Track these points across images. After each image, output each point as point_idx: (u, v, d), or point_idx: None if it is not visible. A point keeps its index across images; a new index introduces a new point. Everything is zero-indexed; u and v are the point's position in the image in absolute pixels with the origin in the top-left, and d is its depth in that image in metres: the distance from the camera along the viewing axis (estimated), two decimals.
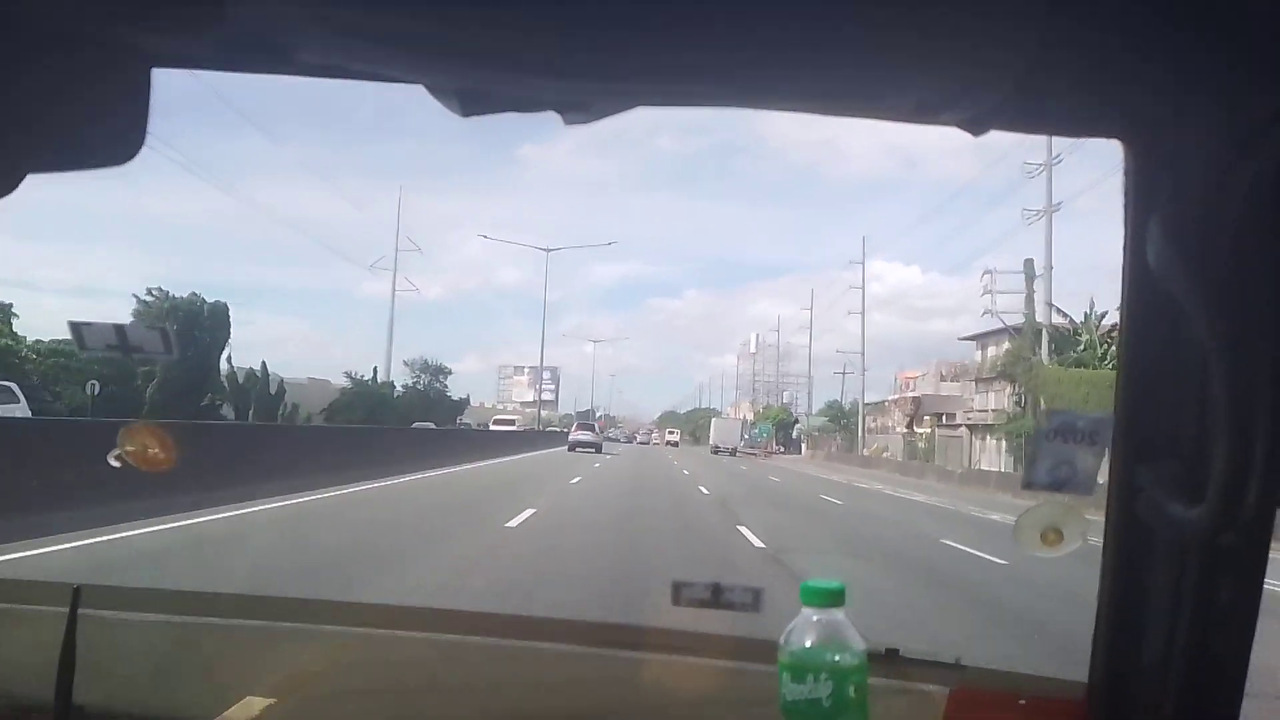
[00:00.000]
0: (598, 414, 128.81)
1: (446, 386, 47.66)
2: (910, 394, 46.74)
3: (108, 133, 0.69)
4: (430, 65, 0.65)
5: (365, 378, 39.77)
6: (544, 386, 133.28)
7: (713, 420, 74.43)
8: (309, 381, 38.19)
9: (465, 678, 1.06)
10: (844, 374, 59.90)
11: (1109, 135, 0.74)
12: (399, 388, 43.70)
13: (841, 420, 60.84)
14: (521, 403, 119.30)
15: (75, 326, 0.75)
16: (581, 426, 42.65)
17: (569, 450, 36.19)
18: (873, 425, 55.29)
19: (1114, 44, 0.62)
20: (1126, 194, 0.76)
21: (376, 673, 1.04)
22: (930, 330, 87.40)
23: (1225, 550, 0.75)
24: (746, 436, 71.82)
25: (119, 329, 0.77)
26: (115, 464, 0.82)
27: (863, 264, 50.31)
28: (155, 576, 5.14)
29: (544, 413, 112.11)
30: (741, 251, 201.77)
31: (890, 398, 52.40)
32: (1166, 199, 0.69)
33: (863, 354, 49.93)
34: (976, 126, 0.72)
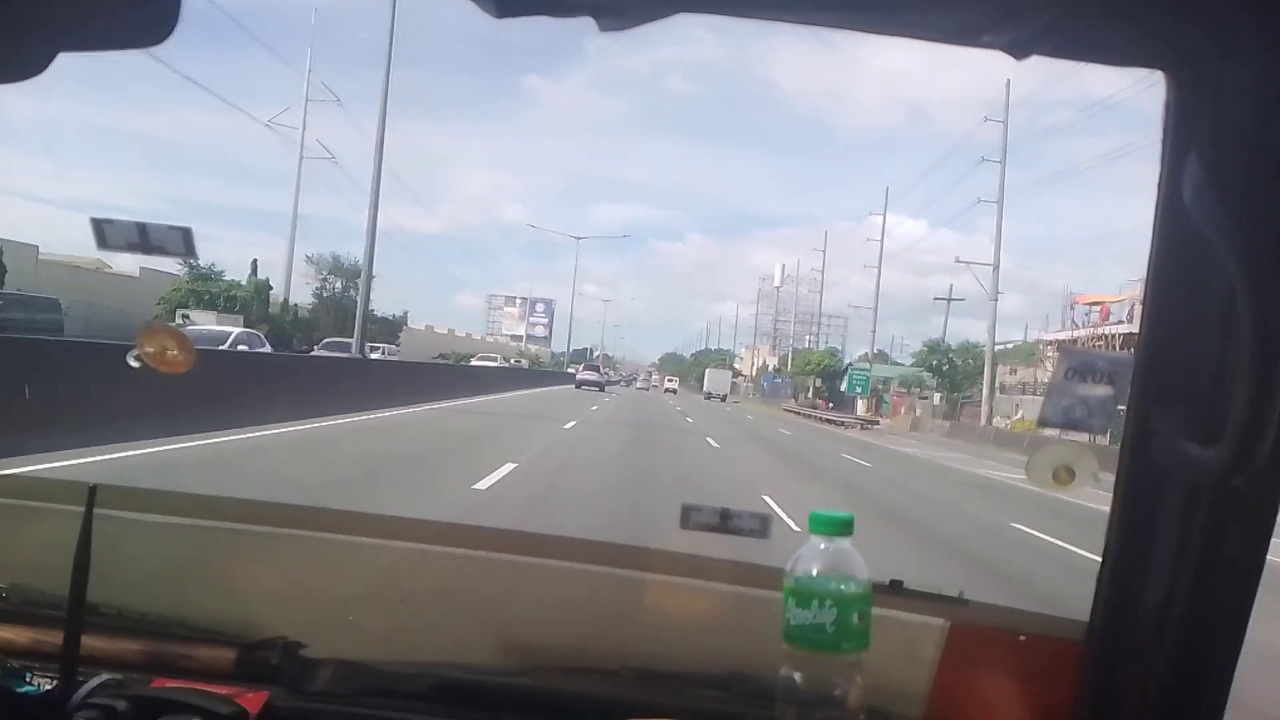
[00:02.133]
0: (595, 354, 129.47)
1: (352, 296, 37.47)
2: (1110, 328, 29.10)
3: (141, 12, 0.72)
4: None
5: (218, 271, 32.18)
6: (536, 320, 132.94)
7: (707, 371, 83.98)
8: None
9: (472, 590, 1.14)
10: (948, 300, 47.00)
11: (1152, 66, 0.77)
12: (306, 303, 37.92)
13: (945, 369, 44.45)
14: (511, 336, 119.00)
15: (97, 224, 0.81)
16: (588, 368, 56.93)
17: (575, 388, 44.86)
18: (1010, 378, 40.72)
19: None
20: (1165, 129, 0.78)
21: (386, 582, 1.14)
22: (937, 287, 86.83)
23: (1236, 494, 0.80)
24: (765, 384, 76.78)
25: (140, 227, 0.82)
26: (134, 364, 0.89)
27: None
28: None
29: (533, 348, 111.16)
30: (743, 200, 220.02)
31: (1050, 336, 34.75)
32: (1207, 136, 0.72)
33: (995, 265, 35.82)
34: (1019, 51, 0.75)
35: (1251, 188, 0.67)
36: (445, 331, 77.74)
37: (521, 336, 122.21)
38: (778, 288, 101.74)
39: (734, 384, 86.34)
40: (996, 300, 37.39)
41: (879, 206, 56.79)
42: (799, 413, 48.65)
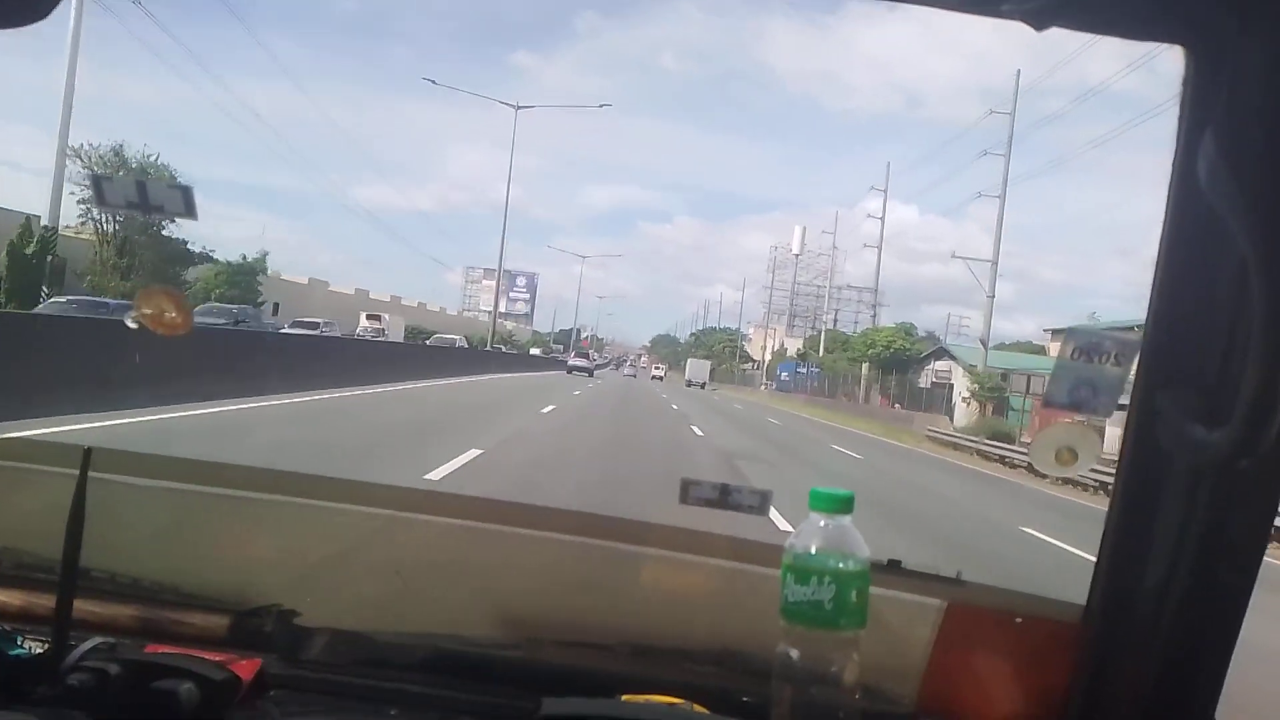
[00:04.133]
0: (584, 334, 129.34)
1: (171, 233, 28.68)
2: None
3: None
4: None
5: None
6: (516, 295, 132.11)
7: (688, 361, 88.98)
8: None
9: (468, 560, 1.20)
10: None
11: (1171, 40, 0.81)
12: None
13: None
14: (489, 312, 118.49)
15: (96, 179, 0.87)
16: (578, 355, 64.85)
17: (567, 373, 51.53)
18: None
19: None
20: (1182, 106, 0.83)
21: (382, 551, 1.20)
22: (925, 274, 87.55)
23: (1240, 478, 0.85)
24: (784, 373, 69.30)
25: (140, 184, 0.87)
26: (132, 325, 0.95)
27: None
28: None
29: (509, 324, 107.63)
30: (734, 183, 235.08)
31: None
32: (1224, 113, 0.75)
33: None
34: (1039, 20, 0.79)
35: (1268, 166, 0.71)
36: (415, 305, 77.40)
37: (505, 314, 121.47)
38: (797, 255, 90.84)
39: (743, 371, 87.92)
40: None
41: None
42: (942, 438, 29.17)
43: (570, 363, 58.66)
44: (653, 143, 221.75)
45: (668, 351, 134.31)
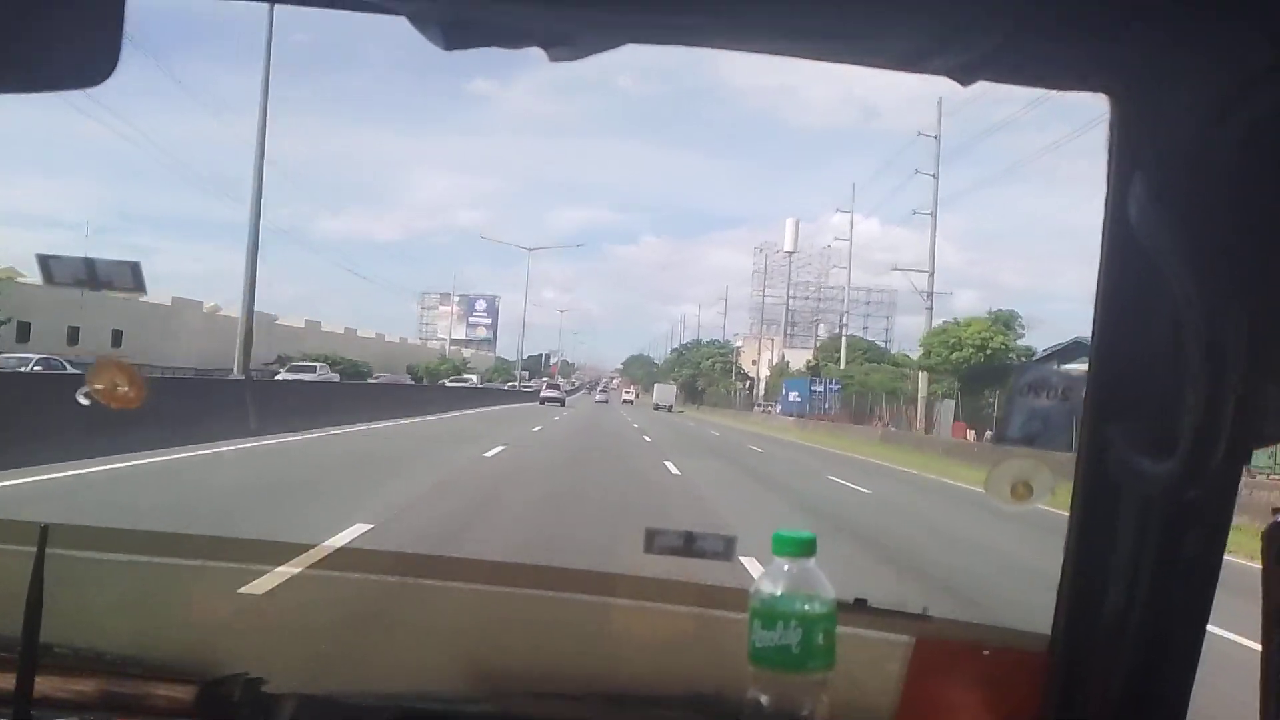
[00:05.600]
0: (554, 359, 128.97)
1: None
2: None
3: (81, 51, 0.79)
4: None
5: None
6: (477, 319, 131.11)
7: (655, 386, 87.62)
8: None
9: (437, 619, 1.23)
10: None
11: (1095, 89, 0.87)
12: None
13: None
14: (451, 340, 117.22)
15: (43, 260, 0.92)
16: (550, 386, 68.66)
17: (540, 404, 54.53)
18: None
19: None
20: (1110, 150, 0.89)
21: (349, 613, 1.26)
22: (888, 284, 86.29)
23: (1191, 506, 0.91)
24: (794, 394, 57.59)
25: (88, 263, 0.93)
26: (84, 402, 0.99)
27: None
28: None
29: (467, 352, 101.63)
30: (698, 201, 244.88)
31: None
32: (1151, 156, 0.82)
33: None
34: (965, 76, 0.85)
35: (1196, 206, 0.77)
36: (373, 335, 74.96)
37: (465, 340, 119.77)
38: (790, 254, 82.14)
39: (739, 391, 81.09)
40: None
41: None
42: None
43: (543, 394, 63.33)
44: (616, 164, 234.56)
45: (642, 373, 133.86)
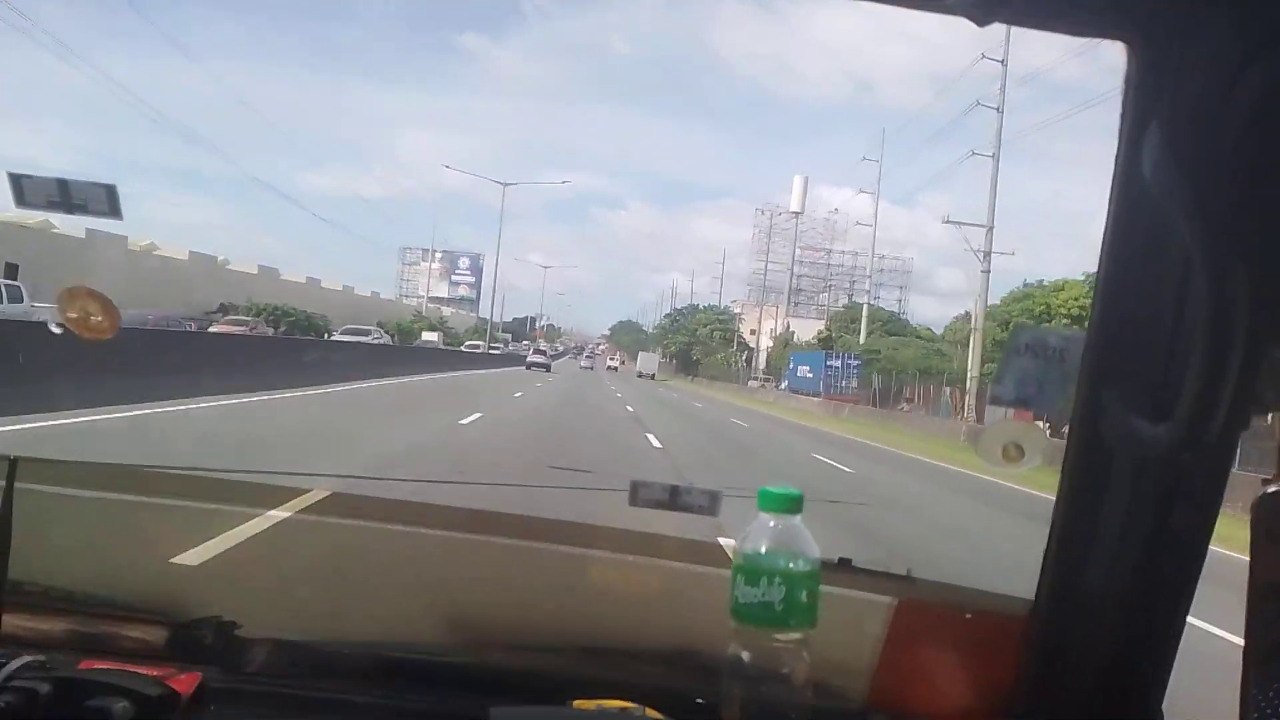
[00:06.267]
0: (540, 323, 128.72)
1: None
2: None
3: None
4: None
5: None
6: (459, 277, 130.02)
7: (640, 354, 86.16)
8: None
9: (414, 567, 1.25)
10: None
11: (1114, 36, 0.87)
12: None
13: None
14: (431, 298, 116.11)
15: (15, 179, 0.91)
16: (536, 351, 66.23)
17: (526, 369, 53.01)
18: None
19: None
20: (1125, 101, 0.88)
21: (325, 559, 1.27)
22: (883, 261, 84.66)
23: (1184, 471, 0.92)
24: (805, 368, 52.09)
25: (61, 183, 0.92)
26: (56, 330, 0.99)
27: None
28: None
29: (447, 311, 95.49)
30: (687, 169, 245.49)
31: None
32: (1166, 108, 0.81)
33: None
34: (981, 15, 0.85)
35: (1210, 160, 0.76)
36: (339, 287, 69.02)
37: (448, 299, 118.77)
38: (796, 214, 76.86)
39: (739, 364, 74.53)
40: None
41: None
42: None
43: (529, 359, 62.57)
44: (606, 129, 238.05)
45: (630, 339, 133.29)
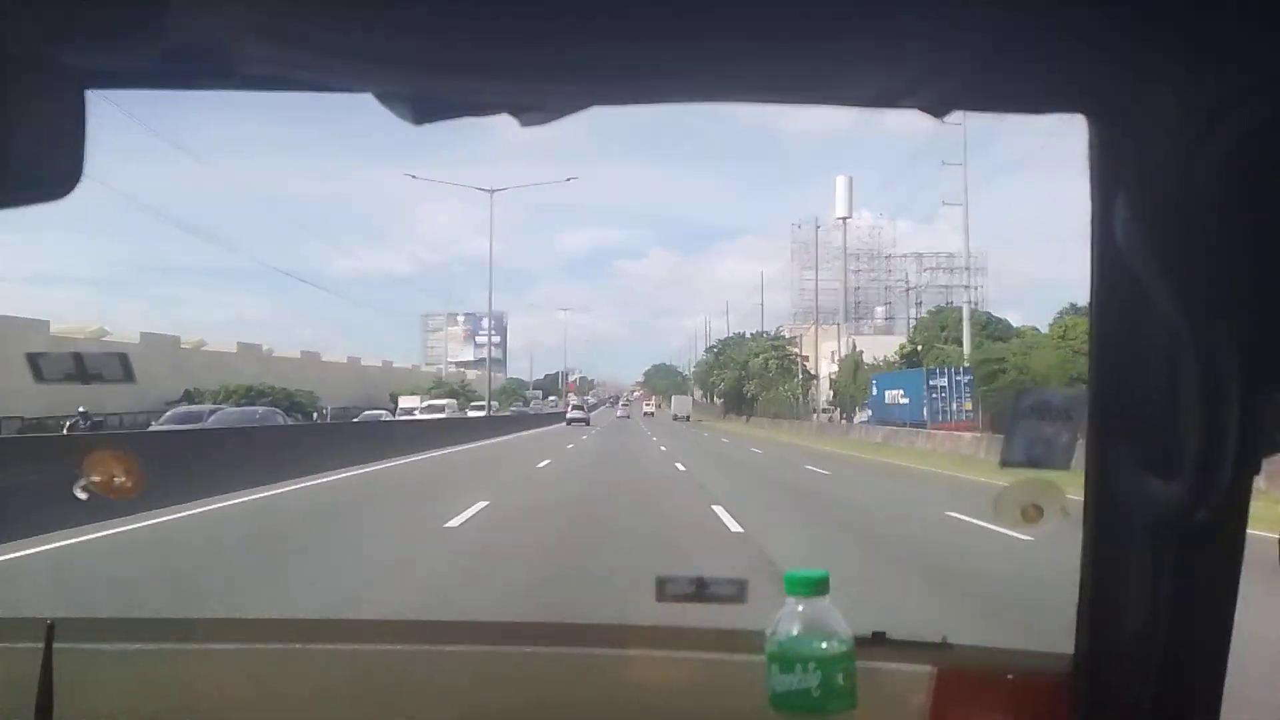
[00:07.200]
0: (571, 377, 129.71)
1: None
2: None
3: (44, 164, 0.80)
4: (379, 74, 0.81)
5: None
6: (483, 338, 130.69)
7: (674, 397, 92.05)
8: None
9: (438, 686, 1.27)
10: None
11: (1072, 110, 0.90)
12: None
13: None
14: (458, 364, 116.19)
15: (32, 358, 0.99)
16: (574, 407, 71.60)
17: (566, 424, 56.55)
18: None
19: (1079, 19, 0.75)
20: (1092, 170, 0.93)
21: (363, 690, 1.30)
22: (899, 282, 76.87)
23: (1202, 526, 0.93)
24: (897, 395, 41.96)
25: (77, 357, 0.98)
26: (82, 495, 1.05)
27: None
28: None
29: (471, 374, 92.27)
30: (701, 213, 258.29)
31: None
32: (1132, 175, 0.85)
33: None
34: (939, 109, 0.89)
35: (1180, 224, 0.79)
36: (343, 360, 65.96)
37: (472, 362, 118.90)
38: (843, 220, 68.22)
39: (804, 395, 63.72)
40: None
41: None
42: None
43: (569, 415, 66.65)
44: (619, 182, 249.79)
45: (666, 383, 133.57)
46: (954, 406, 37.32)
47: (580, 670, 1.29)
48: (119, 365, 0.99)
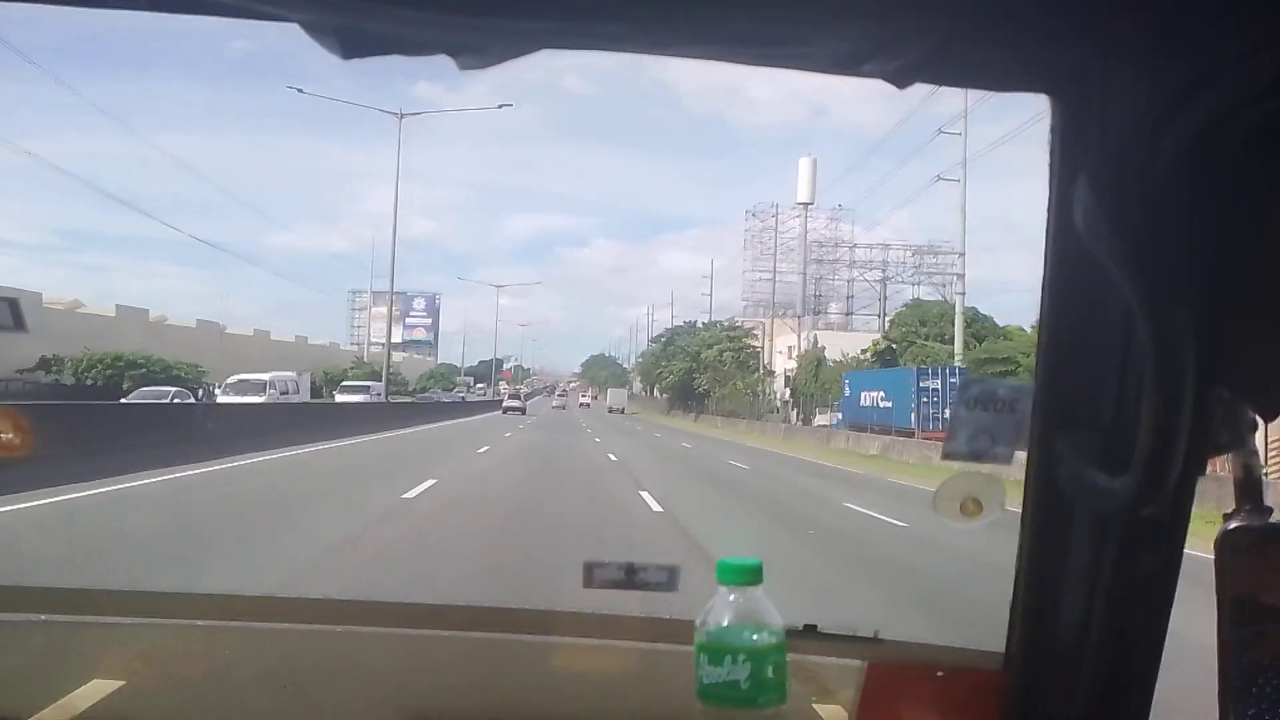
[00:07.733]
0: (506, 364, 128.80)
1: None
2: None
3: None
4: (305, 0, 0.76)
5: None
6: (415, 319, 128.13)
7: (609, 390, 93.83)
8: None
9: (367, 668, 1.26)
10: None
11: (1036, 89, 0.89)
12: None
13: None
14: (381, 344, 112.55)
15: None
16: (512, 396, 72.88)
17: (503, 413, 56.89)
18: None
19: None
20: (1052, 151, 0.91)
21: (273, 666, 1.25)
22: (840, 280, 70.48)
23: (1147, 522, 0.94)
24: (876, 397, 35.91)
25: None
26: None
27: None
28: None
29: (397, 356, 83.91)
30: (650, 203, 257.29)
31: None
32: (1093, 157, 0.84)
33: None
34: (901, 79, 0.87)
35: (1141, 209, 0.80)
36: (249, 333, 64.56)
37: (400, 344, 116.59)
38: (805, 205, 65.08)
39: (763, 393, 60.08)
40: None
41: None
42: None
43: (505, 404, 67.19)
44: (566, 168, 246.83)
45: (605, 375, 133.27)
46: (944, 412, 31.35)
47: (509, 655, 1.27)
48: (7, 312, 0.94)
